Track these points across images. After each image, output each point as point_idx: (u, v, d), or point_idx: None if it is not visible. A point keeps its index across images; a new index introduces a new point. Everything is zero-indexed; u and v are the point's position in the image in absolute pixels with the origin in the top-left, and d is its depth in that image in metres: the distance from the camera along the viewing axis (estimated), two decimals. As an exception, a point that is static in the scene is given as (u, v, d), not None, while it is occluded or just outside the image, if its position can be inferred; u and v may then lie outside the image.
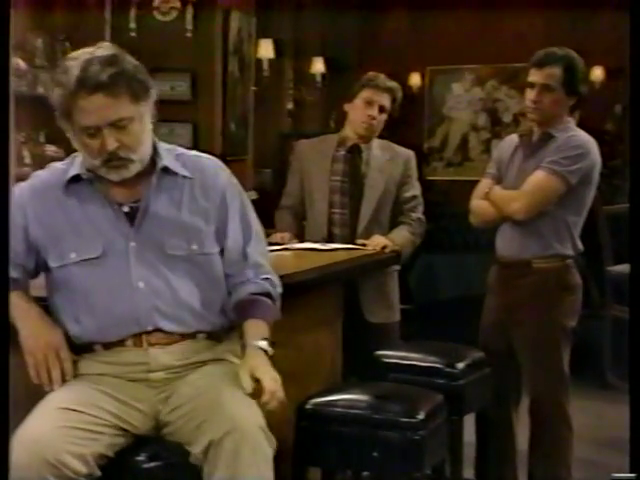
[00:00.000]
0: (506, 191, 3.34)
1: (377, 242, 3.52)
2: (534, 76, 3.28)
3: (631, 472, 2.12)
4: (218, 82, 5.48)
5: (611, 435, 4.17)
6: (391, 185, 3.68)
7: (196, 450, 2.10)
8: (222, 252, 2.33)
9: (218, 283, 2.33)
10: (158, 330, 2.23)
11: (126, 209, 2.25)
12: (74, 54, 2.21)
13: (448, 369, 3.05)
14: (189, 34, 5.26)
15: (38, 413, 2.10)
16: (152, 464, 2.14)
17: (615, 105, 7.80)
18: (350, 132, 3.71)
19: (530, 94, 3.28)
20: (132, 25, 5.17)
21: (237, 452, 2.05)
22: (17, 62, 4.42)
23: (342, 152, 3.71)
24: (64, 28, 4.93)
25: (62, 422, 2.06)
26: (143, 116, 2.21)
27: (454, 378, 3.03)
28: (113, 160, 2.19)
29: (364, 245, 3.52)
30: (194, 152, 2.40)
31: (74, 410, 2.10)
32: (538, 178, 3.24)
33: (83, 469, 2.04)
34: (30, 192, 2.29)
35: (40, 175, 2.36)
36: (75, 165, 2.28)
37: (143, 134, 2.22)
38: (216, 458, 2.06)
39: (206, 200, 2.31)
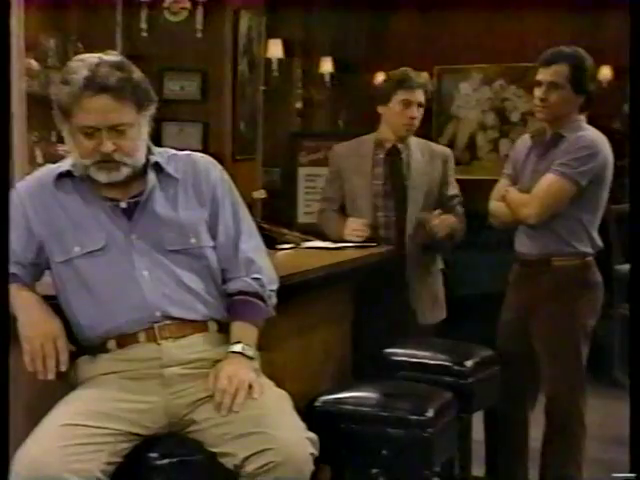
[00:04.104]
0: (519, 195, 3.33)
1: (444, 219, 3.54)
2: (542, 74, 3.29)
3: (631, 472, 2.13)
4: (228, 82, 5.50)
5: (619, 433, 4.16)
6: (433, 186, 3.68)
7: (233, 460, 2.13)
8: (215, 247, 2.36)
9: (219, 275, 2.37)
10: (169, 318, 2.25)
11: (124, 205, 2.30)
12: (82, 57, 2.26)
13: (457, 367, 3.07)
14: (199, 34, 5.27)
15: (39, 432, 2.09)
16: (165, 461, 2.15)
17: (624, 104, 7.78)
18: (388, 134, 3.69)
19: (538, 92, 3.30)
20: (143, 25, 5.18)
21: None
22: (30, 62, 4.44)
23: (381, 155, 3.70)
24: (76, 29, 4.96)
25: (63, 441, 2.05)
26: (142, 125, 2.26)
27: (463, 376, 3.05)
28: (106, 162, 2.22)
29: (433, 220, 3.52)
30: (186, 152, 2.45)
31: (77, 425, 2.09)
32: (548, 182, 3.24)
33: None
34: (26, 192, 2.32)
35: (34, 175, 2.41)
36: (66, 163, 2.33)
37: (139, 141, 2.27)
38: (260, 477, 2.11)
39: (199, 196, 2.36)
